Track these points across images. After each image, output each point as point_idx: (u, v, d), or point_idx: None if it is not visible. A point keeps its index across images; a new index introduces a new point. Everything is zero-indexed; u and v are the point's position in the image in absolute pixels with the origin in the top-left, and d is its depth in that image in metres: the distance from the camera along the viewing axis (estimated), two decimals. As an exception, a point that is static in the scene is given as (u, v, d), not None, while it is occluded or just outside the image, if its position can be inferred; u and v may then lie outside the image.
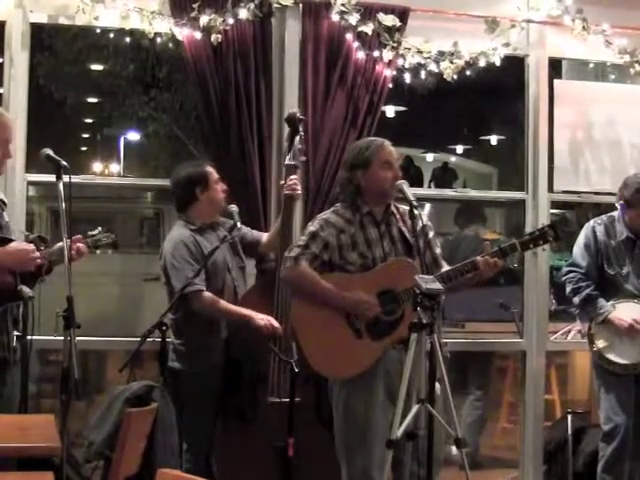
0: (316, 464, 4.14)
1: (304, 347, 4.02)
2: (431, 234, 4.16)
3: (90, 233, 4.10)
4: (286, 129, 4.73)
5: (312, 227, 4.09)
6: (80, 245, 3.95)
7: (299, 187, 4.57)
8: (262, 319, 4.38)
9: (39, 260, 3.81)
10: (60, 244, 3.73)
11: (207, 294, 4.41)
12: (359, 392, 3.94)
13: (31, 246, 3.84)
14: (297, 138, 4.58)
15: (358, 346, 3.96)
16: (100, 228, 4.14)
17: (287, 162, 4.59)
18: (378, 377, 3.93)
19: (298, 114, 4.63)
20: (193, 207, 4.58)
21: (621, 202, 4.81)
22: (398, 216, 4.12)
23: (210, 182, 4.58)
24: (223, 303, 4.44)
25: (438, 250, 4.17)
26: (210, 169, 4.63)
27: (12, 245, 3.82)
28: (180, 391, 4.44)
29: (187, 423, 4.41)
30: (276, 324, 4.39)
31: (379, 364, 3.94)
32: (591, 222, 4.92)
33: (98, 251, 4.21)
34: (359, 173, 4.05)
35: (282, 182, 4.60)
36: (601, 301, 4.76)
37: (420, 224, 3.95)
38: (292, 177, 4.53)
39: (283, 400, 4.15)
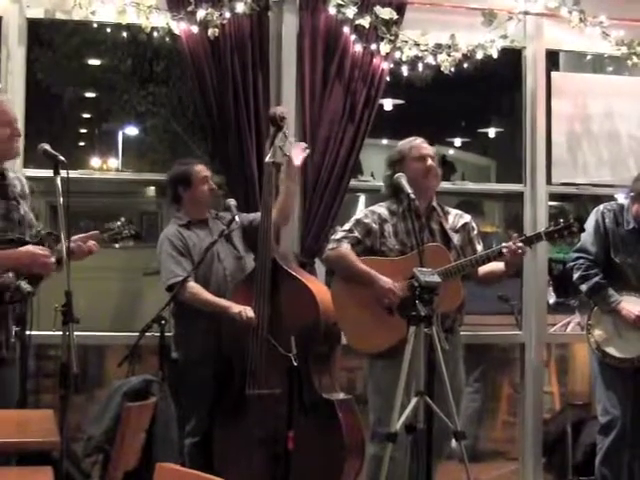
0: (299, 449, 4.13)
1: (340, 323, 4.33)
2: (474, 232, 4.44)
3: (108, 226, 3.95)
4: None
5: (358, 215, 4.38)
6: (91, 244, 3.85)
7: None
8: (237, 307, 4.36)
9: (52, 265, 3.68)
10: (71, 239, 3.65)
11: (191, 284, 4.42)
12: (387, 369, 4.04)
13: (45, 251, 3.70)
14: (279, 136, 4.50)
15: (388, 322, 4.14)
16: (123, 219, 3.97)
17: (266, 160, 4.52)
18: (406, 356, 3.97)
19: (278, 112, 4.54)
20: (180, 205, 4.66)
21: (632, 194, 4.78)
22: (441, 213, 4.36)
23: (193, 181, 4.60)
24: (204, 294, 4.44)
25: (479, 247, 4.39)
26: (197, 168, 4.63)
27: (24, 249, 3.69)
28: (178, 379, 4.50)
29: (186, 410, 4.49)
30: (251, 314, 4.34)
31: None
32: (601, 207, 4.84)
33: (117, 245, 3.96)
34: (397, 168, 4.27)
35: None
36: (610, 290, 4.71)
37: (462, 221, 4.38)
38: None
39: (271, 391, 4.25)
